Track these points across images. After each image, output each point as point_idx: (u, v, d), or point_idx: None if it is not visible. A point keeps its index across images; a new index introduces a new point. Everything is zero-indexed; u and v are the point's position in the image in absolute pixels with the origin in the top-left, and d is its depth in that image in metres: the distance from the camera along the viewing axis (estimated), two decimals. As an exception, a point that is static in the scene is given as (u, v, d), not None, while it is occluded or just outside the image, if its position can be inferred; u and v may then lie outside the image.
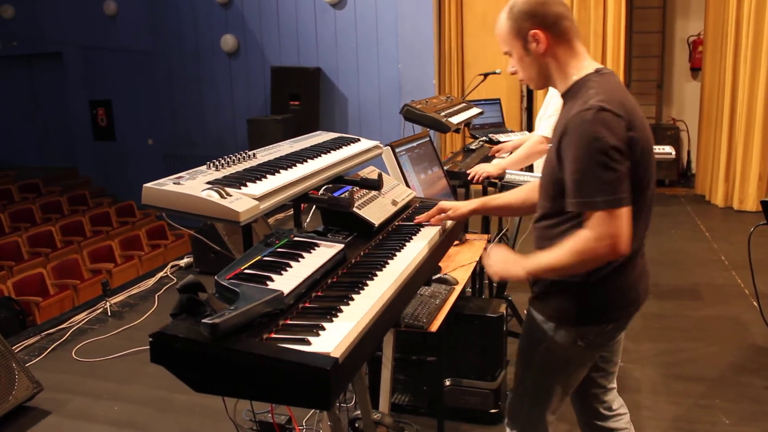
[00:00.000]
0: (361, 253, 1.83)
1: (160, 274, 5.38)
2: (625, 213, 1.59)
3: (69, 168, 11.22)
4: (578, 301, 1.78)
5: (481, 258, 1.77)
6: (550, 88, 3.48)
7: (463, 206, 2.21)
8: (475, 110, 4.40)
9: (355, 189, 2.03)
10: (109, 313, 4.58)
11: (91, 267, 6.97)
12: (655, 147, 5.21)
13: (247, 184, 1.65)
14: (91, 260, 7.09)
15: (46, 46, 10.66)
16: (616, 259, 1.63)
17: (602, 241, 1.58)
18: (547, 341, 1.84)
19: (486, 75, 4.68)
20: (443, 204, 2.21)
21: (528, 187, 2.17)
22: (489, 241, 3.30)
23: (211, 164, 1.76)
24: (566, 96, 1.78)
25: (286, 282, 1.47)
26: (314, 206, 2.11)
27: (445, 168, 3.42)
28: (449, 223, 2.22)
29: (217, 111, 9.68)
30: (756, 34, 6.48)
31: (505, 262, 1.80)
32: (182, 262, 5.59)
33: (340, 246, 1.72)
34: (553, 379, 1.88)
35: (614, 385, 2.08)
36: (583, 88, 1.70)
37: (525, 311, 4.39)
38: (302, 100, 8.65)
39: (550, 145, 1.78)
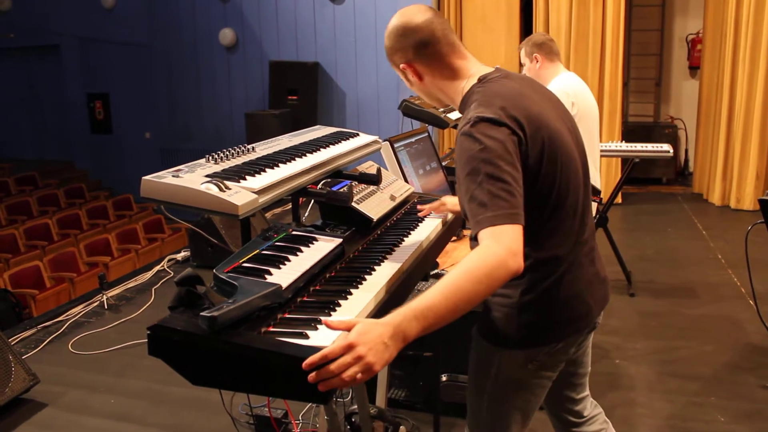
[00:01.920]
0: (360, 248, 1.83)
1: (157, 267, 5.37)
2: (509, 230, 1.37)
3: (66, 161, 11.19)
4: (519, 321, 1.61)
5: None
6: (550, 83, 3.49)
7: None
8: (473, 106, 4.39)
9: (353, 183, 2.03)
10: (106, 307, 4.58)
11: (88, 260, 6.95)
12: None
13: (246, 177, 1.65)
14: (87, 253, 7.07)
15: (43, 38, 10.59)
16: (511, 276, 1.36)
17: (490, 258, 1.34)
18: (495, 366, 1.67)
19: (485, 71, 4.67)
20: (447, 200, 2.22)
21: None
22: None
23: (210, 157, 1.76)
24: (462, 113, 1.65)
25: (284, 276, 1.47)
26: (313, 200, 2.12)
27: (444, 163, 3.42)
28: (450, 216, 2.23)
29: (215, 105, 9.65)
30: (755, 33, 6.49)
31: (374, 342, 1.22)
32: (179, 256, 5.58)
33: (339, 240, 1.72)
34: (509, 406, 1.71)
35: (585, 393, 1.95)
36: (467, 104, 1.59)
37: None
38: (300, 94, 8.62)
39: None
